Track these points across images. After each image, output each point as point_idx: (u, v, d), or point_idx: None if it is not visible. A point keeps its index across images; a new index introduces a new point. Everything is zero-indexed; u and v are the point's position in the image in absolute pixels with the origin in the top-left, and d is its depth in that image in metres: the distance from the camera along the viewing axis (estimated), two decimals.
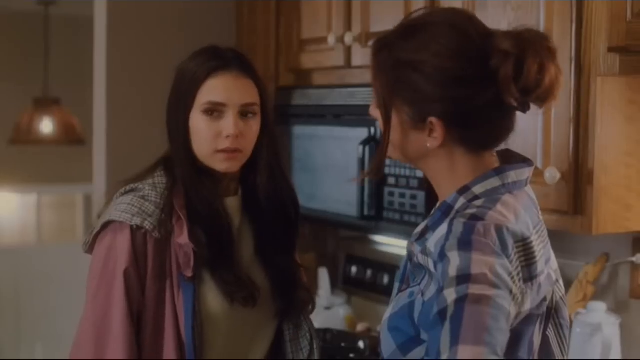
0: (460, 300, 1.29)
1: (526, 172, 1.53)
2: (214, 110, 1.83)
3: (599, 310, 2.38)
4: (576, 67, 2.10)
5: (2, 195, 6.91)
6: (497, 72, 1.41)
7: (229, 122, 1.83)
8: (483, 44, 1.44)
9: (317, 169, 2.97)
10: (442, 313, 1.31)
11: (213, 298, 1.87)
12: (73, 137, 5.92)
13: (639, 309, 2.43)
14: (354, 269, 3.40)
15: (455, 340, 1.26)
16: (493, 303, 1.29)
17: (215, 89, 1.83)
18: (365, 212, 2.72)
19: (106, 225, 1.85)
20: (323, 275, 3.30)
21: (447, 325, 1.29)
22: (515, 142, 2.23)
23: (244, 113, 1.86)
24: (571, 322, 2.42)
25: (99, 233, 1.86)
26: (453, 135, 1.47)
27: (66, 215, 7.17)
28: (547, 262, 1.48)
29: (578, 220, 2.13)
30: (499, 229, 1.39)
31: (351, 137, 2.74)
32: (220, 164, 1.86)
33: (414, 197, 2.55)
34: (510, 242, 1.39)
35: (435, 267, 1.41)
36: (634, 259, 2.41)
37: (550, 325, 1.52)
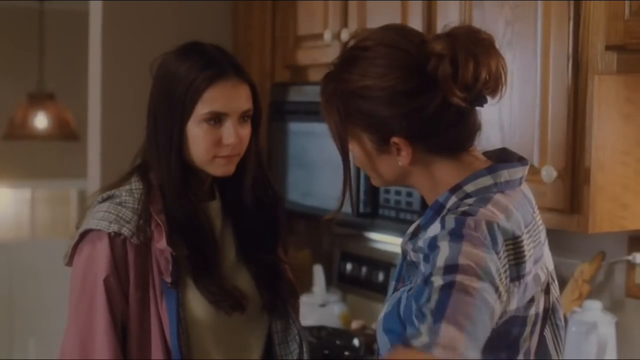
0: (447, 287, 1.28)
1: (520, 171, 1.53)
2: (215, 119, 1.81)
3: (594, 309, 2.38)
4: (573, 66, 2.10)
5: None
6: (435, 76, 1.43)
7: (229, 131, 1.81)
8: (419, 53, 1.46)
9: (312, 166, 2.97)
10: (427, 299, 1.30)
11: (198, 304, 1.85)
12: (67, 133, 5.90)
13: (635, 308, 2.43)
14: (349, 267, 3.40)
15: (439, 318, 1.24)
16: (478, 295, 1.28)
17: (217, 98, 1.80)
18: (361, 210, 2.72)
19: (84, 235, 1.82)
20: (318, 272, 3.30)
21: (429, 307, 1.27)
22: (512, 140, 2.24)
23: (241, 119, 1.85)
24: (567, 320, 2.42)
25: (77, 243, 1.84)
26: (420, 148, 1.48)
27: (60, 210, 7.15)
28: (536, 263, 1.48)
29: (574, 219, 2.12)
30: (490, 225, 1.40)
31: None
32: (218, 169, 1.85)
33: (409, 194, 2.55)
34: (500, 238, 1.40)
35: (425, 259, 1.40)
36: (629, 257, 2.40)
37: (547, 326, 1.52)
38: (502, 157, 1.56)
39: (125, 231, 1.79)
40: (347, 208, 2.75)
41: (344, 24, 2.86)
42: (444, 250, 1.35)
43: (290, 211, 3.17)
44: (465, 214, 1.41)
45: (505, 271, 1.39)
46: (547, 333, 1.53)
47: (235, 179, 1.91)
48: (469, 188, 1.48)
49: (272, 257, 1.98)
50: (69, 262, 1.87)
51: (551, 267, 1.57)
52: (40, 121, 5.88)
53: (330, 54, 2.94)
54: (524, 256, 1.43)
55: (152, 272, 1.81)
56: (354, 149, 1.55)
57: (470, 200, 1.46)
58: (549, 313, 1.53)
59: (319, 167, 2.93)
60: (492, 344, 1.38)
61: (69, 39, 6.21)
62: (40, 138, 6.00)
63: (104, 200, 1.85)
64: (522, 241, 1.43)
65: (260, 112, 1.92)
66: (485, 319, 1.28)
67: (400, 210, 2.59)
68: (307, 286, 3.34)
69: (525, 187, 1.57)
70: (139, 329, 1.81)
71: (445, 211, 1.47)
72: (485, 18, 2.30)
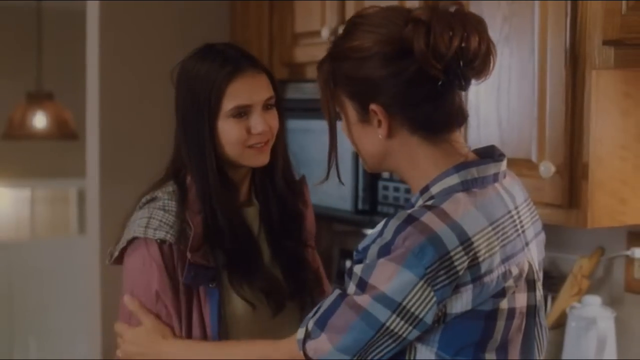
0: (340, 297, 1.46)
1: (492, 168, 1.51)
2: (241, 112, 1.86)
3: (593, 304, 2.38)
4: (571, 60, 2.10)
5: None
6: (411, 41, 1.44)
7: (257, 120, 1.86)
8: (404, 22, 1.47)
9: (310, 163, 2.96)
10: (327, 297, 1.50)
11: (238, 303, 1.88)
12: (66, 132, 5.90)
13: (634, 303, 2.43)
14: (348, 263, 3.39)
15: (320, 325, 1.49)
16: (365, 315, 1.42)
17: (239, 92, 1.85)
18: (360, 206, 2.72)
19: (131, 241, 1.87)
20: None
21: (322, 307, 1.49)
22: (510, 135, 2.24)
23: (265, 107, 1.89)
24: (566, 316, 2.42)
25: (125, 248, 1.89)
26: (398, 120, 1.49)
27: (60, 209, 7.16)
28: (508, 260, 1.45)
29: (573, 214, 2.12)
30: (425, 240, 1.39)
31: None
32: (253, 160, 1.89)
33: (408, 191, 2.54)
34: (431, 253, 1.38)
35: (355, 256, 1.50)
36: (628, 252, 2.40)
37: (533, 324, 1.52)
38: (487, 154, 1.55)
39: (170, 237, 1.83)
40: (346, 205, 2.76)
41: (342, 20, 2.86)
42: (367, 261, 1.44)
43: None
44: (408, 219, 1.41)
45: (434, 284, 1.39)
46: (533, 332, 1.52)
47: (267, 166, 1.95)
48: (435, 189, 1.48)
49: (298, 245, 2.03)
50: (115, 262, 1.92)
51: (537, 265, 1.55)
52: (39, 121, 5.87)
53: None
54: (478, 258, 1.41)
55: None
56: (343, 122, 1.58)
57: (430, 202, 1.46)
58: (537, 311, 1.53)
59: (317, 164, 2.92)
60: (458, 342, 1.43)
61: (67, 38, 6.21)
62: (39, 137, 5.99)
63: (147, 202, 1.90)
64: (472, 243, 1.41)
65: (280, 98, 1.97)
66: (364, 338, 1.43)
67: (398, 207, 2.59)
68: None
69: (509, 183, 1.55)
70: (183, 328, 1.86)
71: None
72: (482, 14, 2.27)
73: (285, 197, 2.01)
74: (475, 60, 1.45)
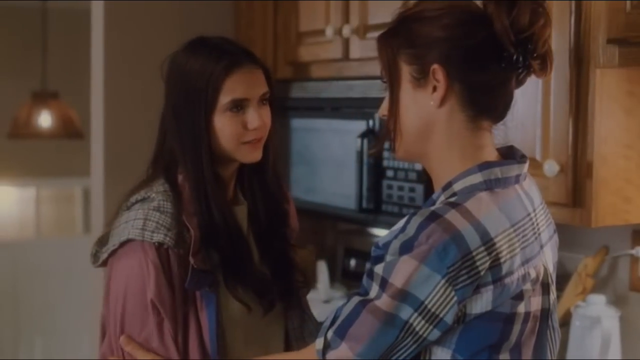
0: (361, 304, 1.44)
1: (515, 169, 1.51)
2: (237, 107, 1.83)
3: (598, 303, 2.38)
4: (575, 59, 2.09)
5: (1, 189, 6.90)
6: (492, 11, 1.46)
7: (253, 115, 1.84)
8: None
9: (315, 162, 2.97)
10: (346, 303, 1.48)
11: (234, 306, 1.85)
12: (71, 131, 5.90)
13: (639, 302, 2.43)
14: (352, 262, 3.39)
15: (341, 334, 1.46)
16: (387, 319, 1.41)
17: (236, 86, 1.82)
18: (364, 205, 2.72)
19: (123, 243, 1.79)
20: (322, 268, 3.30)
21: (342, 315, 1.47)
22: (515, 134, 2.23)
23: (261, 102, 1.88)
24: (570, 315, 2.42)
25: (115, 250, 1.81)
26: (454, 86, 1.48)
27: (65, 208, 7.17)
28: (527, 262, 1.46)
29: (577, 213, 2.12)
30: (449, 238, 1.38)
31: (349, 130, 2.73)
32: (247, 156, 1.86)
33: (412, 189, 2.54)
34: (454, 251, 1.38)
35: (374, 253, 1.47)
36: (633, 251, 2.40)
37: (546, 327, 1.52)
38: (507, 155, 1.56)
39: (169, 241, 1.77)
40: (350, 204, 2.76)
41: (346, 19, 2.86)
42: (389, 259, 1.42)
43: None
44: (432, 216, 1.41)
45: (455, 284, 1.38)
46: (546, 334, 1.52)
47: (259, 162, 1.92)
48: (458, 186, 1.48)
49: (286, 245, 2.00)
50: (102, 264, 1.85)
51: (551, 268, 1.55)
52: (45, 120, 5.88)
53: (332, 50, 2.94)
54: (499, 259, 1.41)
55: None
56: (388, 97, 1.55)
57: (452, 199, 1.46)
58: (549, 314, 1.53)
59: (321, 163, 2.93)
60: (475, 344, 1.42)
61: (72, 37, 6.22)
62: (45, 137, 6.00)
63: (137, 202, 1.83)
64: (494, 244, 1.40)
65: (274, 95, 1.95)
66: (386, 341, 1.43)
67: (403, 206, 2.59)
68: (311, 282, 3.34)
69: (528, 185, 1.55)
70: (180, 334, 1.80)
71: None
72: None
73: (274, 195, 1.98)
74: (540, 48, 1.47)
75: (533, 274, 1.46)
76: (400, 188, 2.60)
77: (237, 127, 1.83)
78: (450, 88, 1.48)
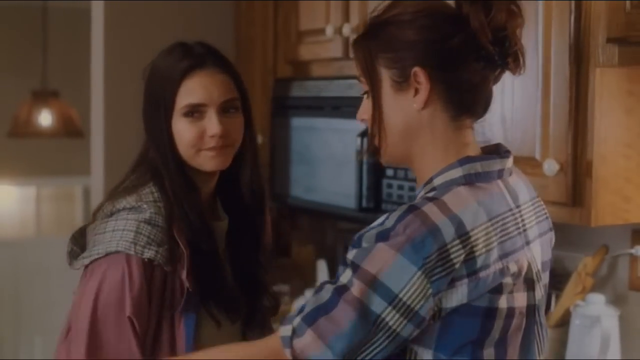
0: (337, 293, 1.41)
1: (497, 164, 1.51)
2: (195, 112, 1.76)
3: (597, 303, 2.38)
4: (575, 58, 2.09)
5: (1, 188, 6.90)
6: (468, 11, 1.47)
7: (211, 122, 1.75)
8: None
9: (315, 161, 2.97)
10: (318, 290, 1.45)
11: (207, 323, 1.79)
12: (72, 130, 5.90)
13: (638, 301, 2.43)
14: None
15: (309, 322, 1.41)
16: (361, 308, 1.38)
17: (193, 90, 1.75)
18: (364, 204, 2.72)
19: (109, 253, 1.71)
20: (321, 267, 3.30)
21: (312, 302, 1.43)
22: (514, 133, 2.24)
23: (225, 109, 1.78)
24: (570, 314, 2.42)
25: (97, 258, 1.73)
26: (436, 87, 1.48)
27: (65, 207, 7.17)
28: (506, 256, 1.44)
29: (577, 212, 2.12)
30: (426, 231, 1.38)
31: (349, 129, 2.74)
32: (208, 163, 1.78)
33: (412, 189, 2.54)
34: (430, 243, 1.38)
35: (351, 246, 1.46)
36: (633, 250, 2.40)
37: (533, 324, 1.51)
38: (492, 151, 1.56)
39: (160, 258, 1.70)
40: (350, 203, 2.76)
41: (346, 18, 2.86)
42: (363, 245, 1.41)
43: (294, 206, 3.18)
44: (410, 209, 1.41)
45: (432, 276, 1.38)
46: (533, 331, 1.52)
47: (233, 175, 1.86)
48: (438, 181, 1.48)
49: (258, 267, 1.92)
50: (79, 267, 1.79)
51: (541, 265, 1.54)
52: (45, 118, 5.88)
53: (332, 49, 2.94)
54: (474, 252, 1.40)
55: (173, 296, 1.74)
56: (367, 102, 1.55)
57: (431, 193, 1.46)
58: (536, 310, 1.52)
59: (321, 162, 2.93)
60: (456, 341, 1.42)
61: (73, 36, 6.22)
62: (45, 135, 6.00)
63: (125, 209, 1.75)
64: (470, 237, 1.40)
65: (249, 105, 1.86)
66: (358, 334, 1.39)
67: (403, 205, 2.58)
68: (311, 281, 3.34)
69: (514, 181, 1.54)
70: (151, 350, 1.73)
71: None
72: None
73: (252, 213, 1.88)
74: (514, 46, 1.48)
75: (513, 269, 1.45)
76: (400, 187, 2.60)
77: (193, 135, 1.75)
78: (432, 90, 1.49)
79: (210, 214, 1.86)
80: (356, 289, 1.39)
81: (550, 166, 2.13)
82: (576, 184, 2.12)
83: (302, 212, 3.35)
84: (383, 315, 1.38)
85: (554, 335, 2.46)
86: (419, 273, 1.37)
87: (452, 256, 1.39)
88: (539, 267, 1.54)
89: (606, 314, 2.35)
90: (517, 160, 2.19)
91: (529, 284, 1.49)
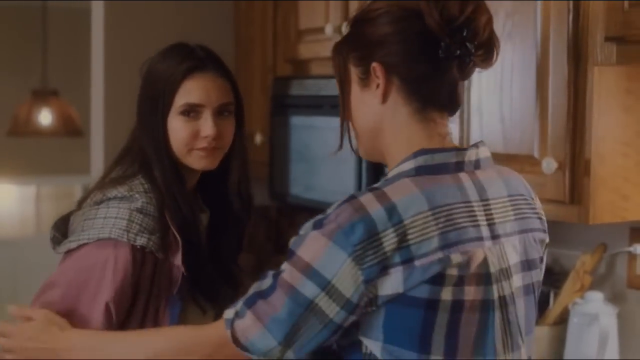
0: (275, 280, 1.45)
1: (452, 156, 1.50)
2: (191, 111, 1.82)
3: (596, 300, 2.38)
4: (573, 57, 2.10)
5: (1, 186, 6.91)
6: (422, 6, 1.48)
7: (206, 123, 1.81)
8: None
9: (314, 160, 2.97)
10: (264, 277, 1.49)
11: (192, 311, 1.84)
12: (71, 129, 5.91)
13: (636, 299, 2.44)
14: None
15: (249, 304, 1.47)
16: (296, 295, 1.42)
17: (192, 90, 1.82)
18: None
19: (101, 239, 1.75)
20: None
21: (256, 287, 1.48)
22: (513, 131, 2.25)
23: (220, 112, 1.85)
24: (568, 312, 2.43)
25: (86, 243, 1.77)
26: (395, 82, 1.50)
27: (65, 206, 7.11)
28: (449, 247, 1.42)
29: (575, 210, 2.13)
30: (357, 218, 1.40)
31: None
32: (198, 162, 1.84)
33: None
34: (360, 231, 1.39)
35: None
36: (631, 248, 2.41)
37: (495, 319, 1.47)
38: (461, 147, 1.56)
39: (152, 245, 1.75)
40: None
41: (345, 17, 2.86)
42: (300, 233, 1.46)
43: (293, 205, 3.18)
44: (349, 198, 1.45)
45: (363, 262, 1.39)
46: (494, 326, 1.47)
47: (220, 177, 1.91)
48: (391, 173, 1.50)
49: (234, 262, 1.98)
50: (63, 250, 1.83)
51: (511, 262, 1.51)
52: (45, 117, 5.89)
53: (331, 48, 2.94)
54: (408, 240, 1.40)
55: (162, 283, 1.78)
56: (346, 100, 1.59)
57: (376, 184, 1.49)
58: (498, 305, 1.48)
59: (321, 160, 2.94)
60: (401, 333, 1.41)
61: (72, 35, 6.23)
62: (45, 134, 6.00)
63: (115, 198, 1.79)
64: (405, 225, 1.40)
65: (242, 110, 1.92)
66: (293, 317, 1.43)
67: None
68: None
69: (487, 175, 1.53)
70: None
71: None
72: None
73: (237, 214, 1.94)
74: (478, 37, 1.48)
75: (457, 260, 1.43)
76: None
77: (187, 134, 1.81)
78: (389, 83, 1.50)
79: (195, 206, 1.91)
80: (289, 275, 1.43)
81: (549, 164, 2.14)
82: (574, 182, 2.12)
83: (302, 210, 3.35)
84: (316, 301, 1.41)
85: (553, 333, 2.46)
86: (349, 260, 1.39)
87: (385, 243, 1.39)
88: (510, 263, 1.50)
89: (604, 311, 2.36)
90: (516, 159, 2.21)
91: (486, 278, 1.46)
